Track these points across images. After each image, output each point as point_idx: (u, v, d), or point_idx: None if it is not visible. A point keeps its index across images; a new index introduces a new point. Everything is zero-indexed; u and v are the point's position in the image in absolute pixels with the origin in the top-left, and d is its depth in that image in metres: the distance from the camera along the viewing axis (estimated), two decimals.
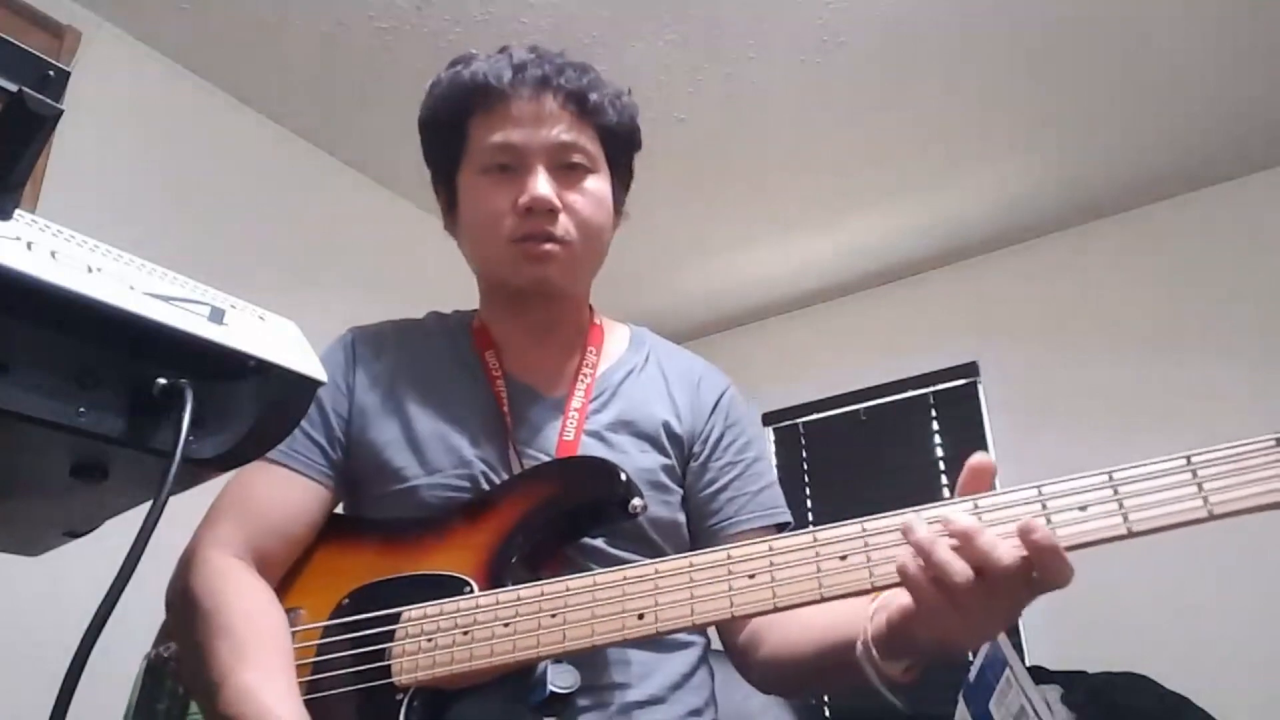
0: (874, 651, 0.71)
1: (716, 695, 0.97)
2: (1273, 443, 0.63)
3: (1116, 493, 0.64)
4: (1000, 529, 0.64)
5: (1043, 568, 0.62)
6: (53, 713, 0.50)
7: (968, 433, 3.21)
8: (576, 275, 0.99)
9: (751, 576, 0.70)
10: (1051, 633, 2.81)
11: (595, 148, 0.98)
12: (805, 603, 0.69)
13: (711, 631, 0.99)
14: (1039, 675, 2.35)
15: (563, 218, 0.93)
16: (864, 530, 0.68)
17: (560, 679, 0.77)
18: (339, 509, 1.00)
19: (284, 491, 0.92)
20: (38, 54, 0.51)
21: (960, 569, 0.62)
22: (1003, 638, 2.28)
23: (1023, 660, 2.40)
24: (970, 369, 3.26)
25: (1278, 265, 2.79)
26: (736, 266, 3.42)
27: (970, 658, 2.26)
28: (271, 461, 0.91)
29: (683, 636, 0.94)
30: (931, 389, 3.36)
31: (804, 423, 3.59)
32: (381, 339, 1.03)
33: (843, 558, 0.68)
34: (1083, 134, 2.73)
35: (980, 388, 3.25)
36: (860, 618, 0.74)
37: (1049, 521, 0.64)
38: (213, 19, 2.21)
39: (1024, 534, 0.62)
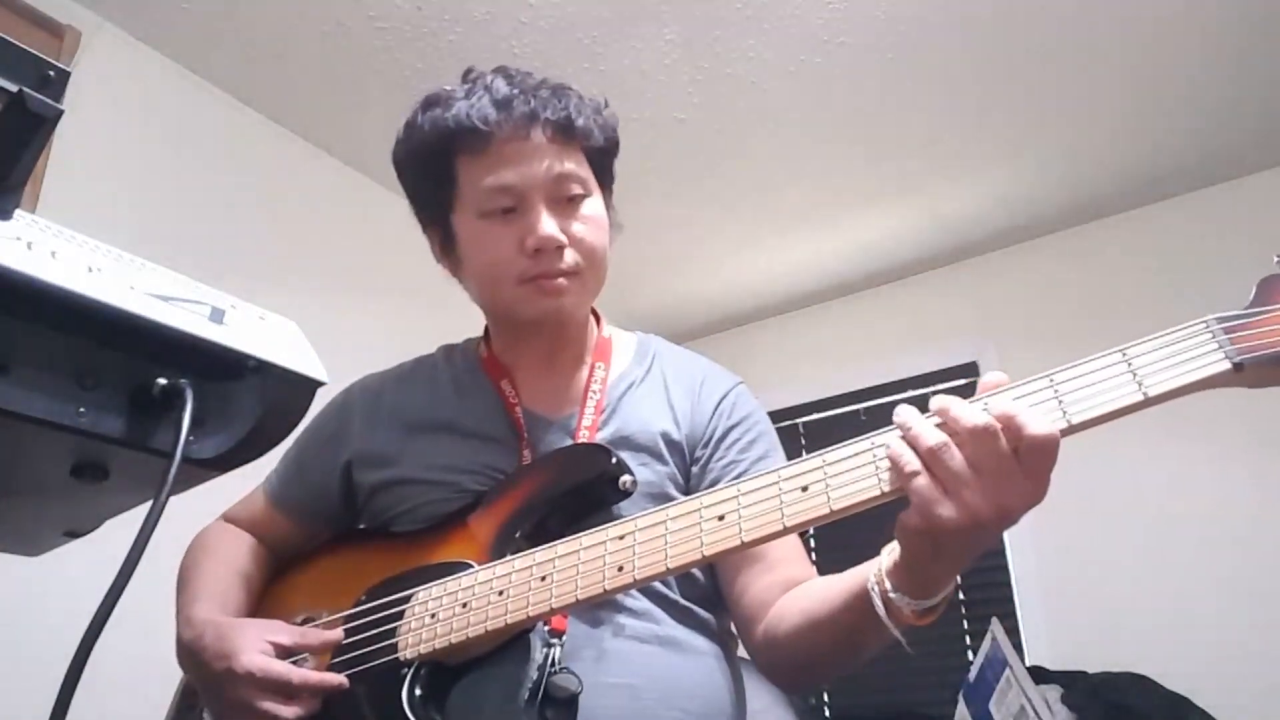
0: (887, 583, 0.71)
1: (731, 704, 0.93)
2: (1202, 326, 0.65)
3: (1056, 391, 0.66)
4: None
5: (1012, 432, 0.62)
6: (53, 713, 0.50)
7: None
8: (587, 300, 1.02)
9: (721, 518, 0.73)
10: (1051, 633, 2.80)
11: (585, 171, 0.99)
12: (770, 535, 0.70)
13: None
14: (1039, 675, 2.35)
15: (569, 250, 0.95)
16: (824, 462, 0.71)
17: (557, 688, 0.78)
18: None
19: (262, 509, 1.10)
20: (38, 54, 0.51)
21: (934, 434, 0.64)
22: (1003, 637, 2.28)
23: (1023, 660, 2.40)
24: (970, 369, 3.26)
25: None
26: (736, 266, 3.42)
27: (970, 657, 2.26)
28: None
29: (697, 642, 0.92)
30: (932, 389, 3.35)
31: (804, 423, 3.59)
32: (383, 387, 1.09)
33: (804, 489, 0.70)
34: (1083, 134, 2.73)
35: None
36: (870, 568, 0.74)
37: None
38: (213, 19, 2.21)
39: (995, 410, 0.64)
